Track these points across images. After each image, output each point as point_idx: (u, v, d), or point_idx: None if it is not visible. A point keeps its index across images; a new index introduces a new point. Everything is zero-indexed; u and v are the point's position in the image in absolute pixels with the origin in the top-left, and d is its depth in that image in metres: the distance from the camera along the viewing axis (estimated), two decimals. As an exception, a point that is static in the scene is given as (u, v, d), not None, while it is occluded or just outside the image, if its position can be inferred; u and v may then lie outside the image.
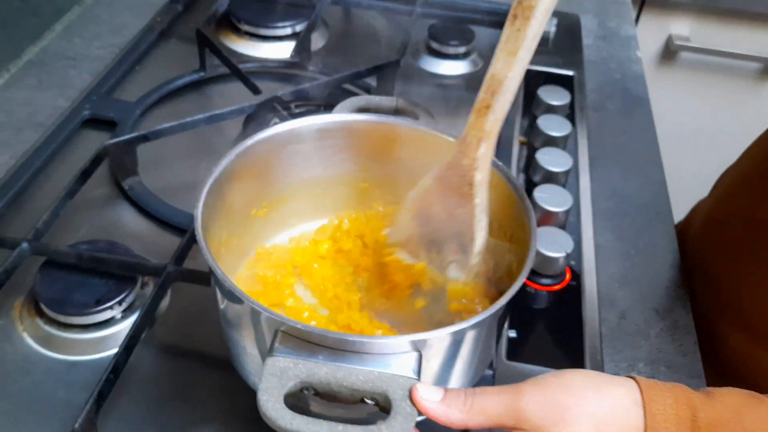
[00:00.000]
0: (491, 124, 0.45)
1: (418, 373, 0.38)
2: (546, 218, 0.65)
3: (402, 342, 0.39)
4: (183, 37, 0.87)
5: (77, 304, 0.54)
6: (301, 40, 0.81)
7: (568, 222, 0.67)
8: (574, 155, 0.75)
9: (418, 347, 0.39)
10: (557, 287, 0.62)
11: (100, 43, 0.87)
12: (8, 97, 0.79)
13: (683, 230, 0.72)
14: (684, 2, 1.17)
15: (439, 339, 0.39)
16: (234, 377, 0.46)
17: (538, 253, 0.61)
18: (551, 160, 0.70)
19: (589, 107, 0.85)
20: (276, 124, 0.55)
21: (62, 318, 0.54)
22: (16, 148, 0.72)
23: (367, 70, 0.76)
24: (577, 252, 0.65)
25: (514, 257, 0.47)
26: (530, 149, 0.75)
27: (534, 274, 0.62)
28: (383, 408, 0.38)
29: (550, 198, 0.65)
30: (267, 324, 0.39)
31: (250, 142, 0.49)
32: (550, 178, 0.69)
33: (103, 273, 0.56)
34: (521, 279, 0.41)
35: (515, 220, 0.47)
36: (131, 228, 0.64)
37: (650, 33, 1.23)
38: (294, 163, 0.53)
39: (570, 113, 0.81)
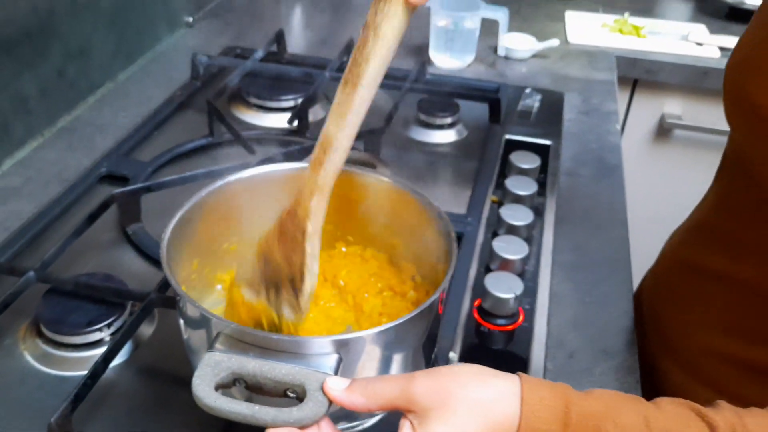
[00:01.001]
0: (323, 179, 0.49)
1: (336, 372, 0.44)
2: (503, 265, 0.71)
3: (323, 342, 0.45)
4: (198, 108, 0.98)
5: (71, 325, 0.61)
6: (298, 111, 0.90)
7: (526, 270, 0.73)
8: (542, 213, 0.81)
9: (339, 350, 0.45)
10: (510, 327, 0.67)
11: (126, 113, 0.99)
12: (40, 157, 0.89)
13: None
14: (674, 84, 1.24)
15: (355, 341, 0.45)
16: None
17: (491, 295, 0.66)
18: (513, 215, 0.76)
19: (563, 173, 0.91)
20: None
21: (58, 337, 0.61)
22: (41, 200, 0.81)
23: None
24: (533, 297, 0.70)
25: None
26: (500, 206, 0.81)
27: (488, 314, 0.67)
28: (301, 400, 0.43)
29: (507, 247, 0.71)
30: (209, 325, 0.46)
31: (217, 184, 0.57)
32: (512, 230, 0.75)
33: (98, 300, 0.63)
34: (435, 296, 0.47)
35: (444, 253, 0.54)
36: (130, 267, 0.72)
37: (644, 112, 1.30)
38: (261, 204, 0.60)
39: (543, 177, 0.87)
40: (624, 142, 1.32)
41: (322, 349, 0.45)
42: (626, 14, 1.32)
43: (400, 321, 0.46)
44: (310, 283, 0.49)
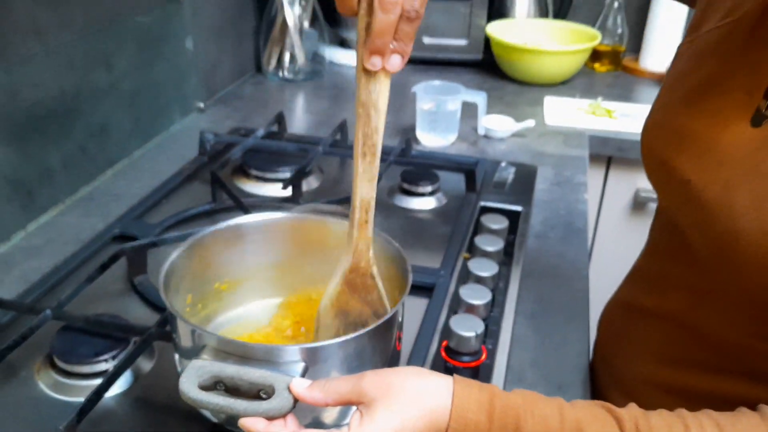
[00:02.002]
0: (371, 232, 0.59)
1: (303, 376, 0.52)
2: (468, 309, 0.79)
3: (292, 351, 0.53)
4: (203, 180, 1.09)
5: (80, 356, 0.69)
6: (291, 180, 1.01)
7: (491, 316, 0.80)
8: (509, 267, 0.90)
9: (305, 359, 0.53)
10: (473, 364, 0.74)
11: (140, 185, 1.10)
12: (61, 222, 1.00)
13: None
14: (645, 160, 1.34)
15: (320, 349, 0.53)
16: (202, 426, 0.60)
17: (455, 333, 0.74)
18: (480, 266, 0.84)
19: (533, 235, 1.00)
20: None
21: (68, 367, 0.69)
22: (60, 257, 0.91)
23: (339, 200, 0.95)
24: (495, 339, 0.78)
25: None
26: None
27: (454, 352, 0.74)
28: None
29: (472, 293, 0.79)
30: (196, 338, 0.54)
31: (209, 229, 0.67)
32: (479, 280, 0.83)
33: (105, 335, 0.71)
34: (389, 315, 0.56)
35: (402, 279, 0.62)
36: (135, 312, 0.81)
37: (620, 186, 1.40)
38: (249, 250, 0.70)
39: (513, 238, 0.96)
40: (603, 214, 1.42)
41: (291, 357, 0.53)
42: (599, 99, 1.44)
43: (358, 334, 0.54)
44: (389, 305, 0.61)
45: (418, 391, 0.48)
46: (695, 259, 0.60)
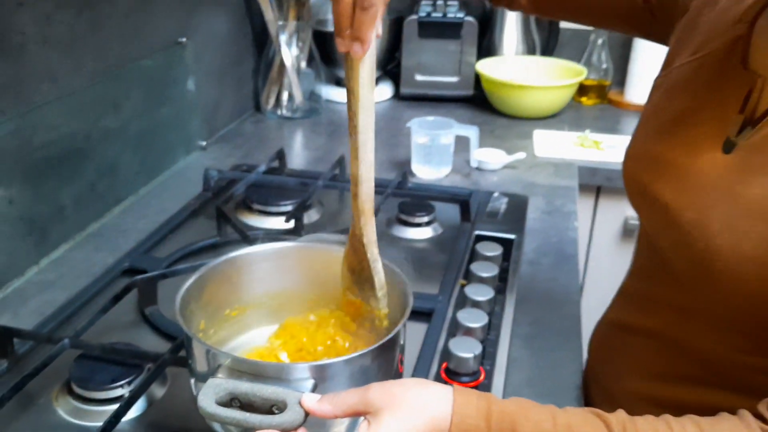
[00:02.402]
0: (362, 204, 0.66)
1: (312, 392, 0.56)
2: (465, 332, 0.82)
3: (301, 368, 0.56)
4: (208, 215, 1.13)
5: (97, 383, 0.73)
6: (293, 213, 1.05)
7: (488, 339, 0.84)
8: (504, 293, 0.94)
9: (314, 376, 0.57)
10: (472, 384, 0.77)
11: (147, 220, 1.14)
12: (72, 257, 1.04)
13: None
14: (633, 189, 1.39)
15: (328, 366, 0.57)
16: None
17: (454, 355, 0.77)
18: (476, 292, 0.88)
19: (525, 262, 1.04)
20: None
21: (86, 393, 0.72)
22: (72, 291, 0.95)
23: (340, 230, 0.99)
24: (493, 360, 0.81)
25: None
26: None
27: (453, 373, 0.78)
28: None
29: (469, 317, 0.83)
30: (211, 358, 0.58)
31: (221, 259, 0.71)
32: (475, 305, 0.87)
33: (120, 362, 0.75)
34: (392, 333, 0.60)
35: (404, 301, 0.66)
36: (148, 341, 0.84)
37: (609, 215, 1.45)
38: (257, 278, 0.74)
39: (507, 265, 1.01)
40: (594, 240, 1.46)
41: (301, 374, 0.56)
42: (587, 131, 1.50)
43: (364, 351, 0.58)
44: (378, 278, 0.67)
45: (421, 400, 0.51)
46: (676, 278, 0.64)
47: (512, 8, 0.85)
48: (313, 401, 0.53)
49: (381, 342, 0.59)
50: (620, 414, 0.53)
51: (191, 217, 1.13)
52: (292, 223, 1.05)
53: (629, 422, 0.52)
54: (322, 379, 0.57)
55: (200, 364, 0.61)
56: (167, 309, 0.89)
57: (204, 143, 1.43)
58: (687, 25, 0.70)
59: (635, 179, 0.69)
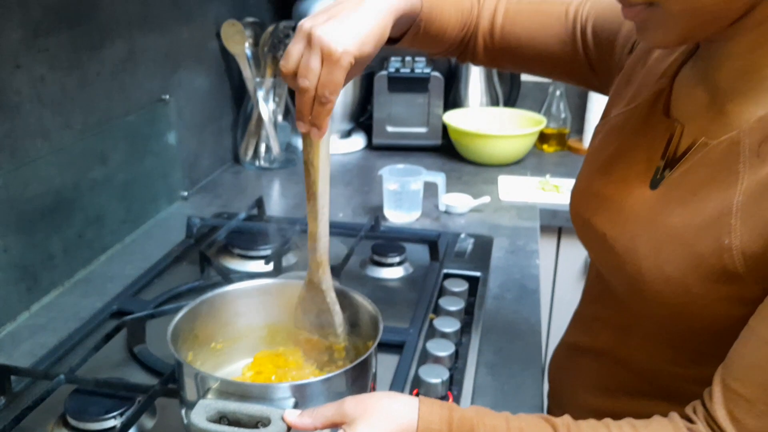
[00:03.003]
0: (320, 257, 0.74)
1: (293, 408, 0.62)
2: (435, 360, 0.89)
3: (283, 388, 0.63)
4: (191, 260, 1.20)
5: (91, 414, 0.78)
6: (272, 256, 1.12)
7: (456, 366, 0.91)
8: (470, 326, 1.01)
9: (295, 394, 0.63)
10: (441, 408, 0.84)
11: (132, 267, 1.20)
12: (61, 302, 1.09)
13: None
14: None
15: (307, 386, 0.63)
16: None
17: (423, 381, 0.84)
18: (444, 324, 0.95)
19: (491, 297, 1.12)
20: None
21: (80, 425, 0.77)
22: (62, 334, 1.00)
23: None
24: (460, 386, 0.88)
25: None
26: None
27: (423, 398, 0.84)
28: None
29: (437, 346, 0.90)
30: (201, 382, 0.64)
31: (208, 295, 0.78)
32: (443, 336, 0.94)
33: (112, 395, 0.80)
34: (366, 354, 0.66)
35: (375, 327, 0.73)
36: (137, 378, 0.89)
37: (571, 253, 1.54)
38: (240, 312, 0.80)
39: (473, 300, 1.08)
40: (558, 277, 1.55)
41: (283, 393, 0.63)
42: (548, 176, 1.60)
43: (335, 373, 0.65)
44: (337, 318, 0.76)
45: (391, 409, 0.58)
46: (617, 300, 0.72)
47: (474, 62, 0.94)
48: (294, 416, 0.60)
49: (355, 362, 0.66)
50: (566, 418, 0.59)
51: (175, 262, 1.19)
52: (271, 266, 1.12)
53: (573, 425, 0.59)
54: (301, 398, 0.63)
55: (190, 389, 0.67)
56: (155, 347, 0.94)
57: (185, 193, 1.50)
58: (622, 80, 0.80)
59: (579, 214, 0.78)
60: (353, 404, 0.58)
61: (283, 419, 0.60)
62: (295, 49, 0.65)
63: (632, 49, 0.80)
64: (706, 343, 0.63)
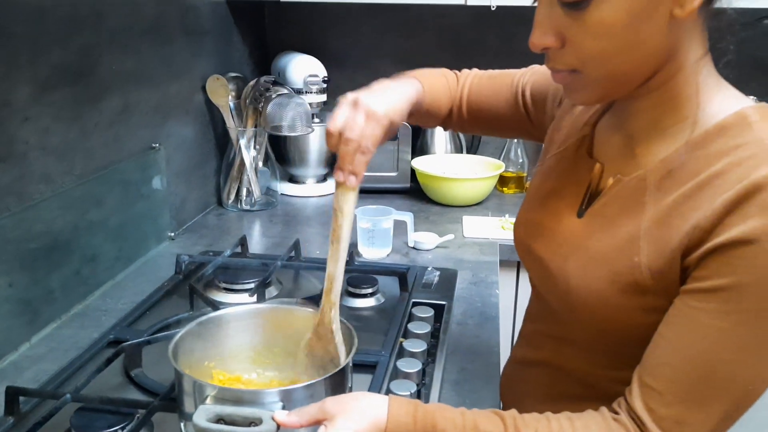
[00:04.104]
0: (334, 298, 0.84)
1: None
2: (404, 376, 1.00)
3: (272, 393, 0.73)
4: (180, 294, 1.30)
5: (95, 429, 0.87)
6: (255, 289, 1.23)
7: (424, 383, 1.02)
8: (436, 348, 1.12)
9: (283, 399, 0.74)
10: (409, 418, 0.95)
11: (125, 301, 1.29)
12: (60, 334, 1.18)
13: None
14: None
15: (294, 390, 0.74)
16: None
17: (394, 394, 0.95)
18: (412, 345, 1.07)
19: (455, 322, 1.24)
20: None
21: (85, 439, 0.87)
22: (62, 362, 1.09)
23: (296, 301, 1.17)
24: (426, 400, 0.98)
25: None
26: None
27: (393, 410, 0.95)
28: (259, 427, 0.71)
29: (406, 365, 1.01)
30: (199, 390, 0.75)
31: (201, 319, 0.88)
32: (412, 355, 1.05)
33: (115, 412, 0.90)
34: (344, 363, 0.78)
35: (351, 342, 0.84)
36: (135, 398, 0.99)
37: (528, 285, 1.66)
38: (231, 334, 0.91)
39: (439, 325, 1.19)
40: (519, 305, 1.67)
41: (272, 398, 0.73)
42: (507, 215, 1.73)
43: (318, 380, 0.75)
44: (342, 356, 0.83)
45: (365, 405, 0.69)
46: (554, 316, 0.85)
47: (451, 129, 1.11)
48: (282, 416, 0.70)
49: (334, 371, 0.77)
50: (512, 411, 0.71)
51: (166, 296, 1.29)
52: (255, 298, 1.23)
53: (518, 417, 0.70)
54: (288, 401, 0.74)
55: (189, 397, 0.77)
56: (151, 372, 1.04)
57: (173, 234, 1.60)
58: (554, 128, 0.94)
59: (521, 241, 0.90)
60: (332, 403, 0.69)
61: (273, 419, 0.70)
62: (341, 112, 0.81)
63: (560, 103, 0.95)
64: (629, 348, 0.75)
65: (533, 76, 1.02)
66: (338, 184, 0.81)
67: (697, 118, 0.72)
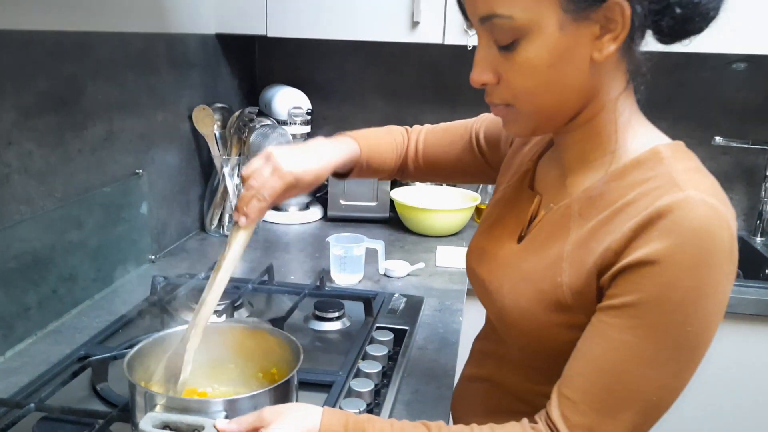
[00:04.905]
0: (198, 319, 0.89)
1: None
2: (356, 395, 1.04)
3: (216, 402, 0.78)
4: (155, 314, 1.34)
5: (56, 437, 0.92)
6: (225, 310, 1.28)
7: (377, 402, 1.06)
8: (392, 370, 1.16)
9: (226, 408, 0.78)
10: (358, 435, 0.99)
11: (100, 320, 1.34)
12: (34, 349, 1.23)
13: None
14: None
15: (236, 401, 0.79)
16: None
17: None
18: (368, 366, 1.11)
19: (416, 347, 1.28)
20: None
21: (46, 446, 0.91)
22: (33, 375, 1.13)
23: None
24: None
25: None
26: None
27: (344, 427, 0.99)
28: (201, 434, 0.76)
29: (359, 384, 1.06)
30: (148, 399, 0.79)
31: (160, 333, 0.93)
32: (367, 376, 1.10)
33: (75, 422, 0.94)
34: (288, 377, 0.82)
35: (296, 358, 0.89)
36: (98, 410, 1.03)
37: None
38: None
39: (399, 349, 1.24)
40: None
41: (216, 407, 0.78)
42: (480, 246, 1.78)
43: (261, 391, 0.80)
44: (185, 374, 0.87)
45: (300, 414, 0.74)
46: (496, 335, 0.90)
47: (410, 180, 1.18)
48: (223, 423, 0.75)
49: (279, 383, 0.82)
50: (439, 423, 0.75)
51: (139, 316, 1.34)
52: (224, 318, 1.28)
53: (444, 427, 0.75)
54: (231, 411, 0.78)
55: (140, 405, 0.81)
56: (117, 386, 1.08)
57: (153, 257, 1.66)
58: (505, 166, 1.01)
59: (469, 265, 0.96)
60: (269, 411, 0.74)
61: (214, 426, 0.75)
62: (256, 161, 0.91)
63: (512, 143, 1.01)
64: (556, 364, 0.79)
65: (485, 121, 1.10)
66: (235, 222, 0.91)
67: (616, 153, 0.78)
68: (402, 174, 1.17)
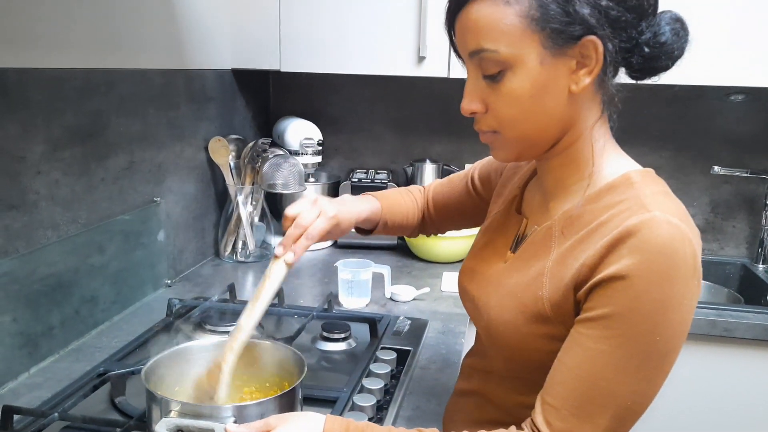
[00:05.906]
0: (236, 345, 0.94)
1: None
2: (359, 409, 1.10)
3: (227, 408, 0.84)
4: (170, 334, 1.41)
5: (78, 444, 0.98)
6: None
7: (380, 417, 1.12)
8: (395, 387, 1.22)
9: (235, 414, 0.84)
10: (360, 446, 1.04)
11: (119, 340, 1.41)
12: (56, 366, 1.30)
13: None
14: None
15: (246, 407, 0.85)
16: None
17: (346, 424, 1.05)
18: (371, 383, 1.17)
19: (419, 366, 1.34)
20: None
21: (68, 453, 0.98)
22: (56, 390, 1.20)
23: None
24: (379, 431, 1.08)
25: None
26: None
27: (347, 439, 1.05)
28: (213, 439, 0.82)
29: (362, 399, 1.11)
30: (163, 405, 0.86)
31: (173, 349, 1.00)
32: (370, 392, 1.16)
33: (95, 431, 1.01)
34: (293, 386, 0.89)
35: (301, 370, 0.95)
36: (117, 419, 1.10)
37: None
38: (198, 363, 1.02)
39: (402, 368, 1.30)
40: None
41: (226, 413, 0.84)
42: (485, 271, 1.84)
43: (268, 398, 0.86)
44: (223, 397, 0.92)
45: (304, 421, 0.80)
46: (483, 349, 0.95)
47: (428, 234, 1.29)
48: (233, 427, 0.81)
49: (285, 391, 0.88)
50: (433, 429, 0.81)
51: (155, 335, 1.41)
52: (235, 338, 1.34)
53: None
54: (240, 416, 0.85)
55: (156, 412, 0.88)
56: (134, 401, 1.15)
57: (169, 281, 1.73)
58: (496, 194, 1.08)
59: (462, 285, 1.02)
60: (276, 417, 0.81)
61: (225, 430, 0.81)
62: (300, 203, 1.01)
63: (501, 174, 1.09)
64: (539, 375, 0.85)
65: (479, 164, 1.20)
66: (276, 257, 0.97)
67: (593, 178, 0.85)
68: (424, 228, 1.28)
